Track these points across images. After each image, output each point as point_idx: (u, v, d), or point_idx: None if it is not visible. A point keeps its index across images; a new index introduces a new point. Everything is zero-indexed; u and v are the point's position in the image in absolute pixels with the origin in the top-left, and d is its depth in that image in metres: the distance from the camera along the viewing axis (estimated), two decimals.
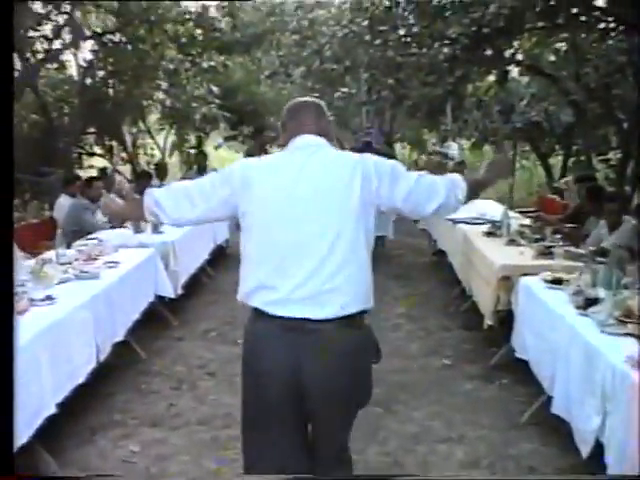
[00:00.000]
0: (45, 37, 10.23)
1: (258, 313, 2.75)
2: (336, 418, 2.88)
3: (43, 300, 4.40)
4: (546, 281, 4.92)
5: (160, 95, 12.46)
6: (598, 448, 3.53)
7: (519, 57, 10.60)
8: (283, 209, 2.70)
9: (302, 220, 2.69)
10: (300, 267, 2.66)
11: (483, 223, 7.56)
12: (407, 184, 2.77)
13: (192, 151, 15.53)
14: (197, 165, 11.73)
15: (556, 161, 15.33)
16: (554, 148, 15.06)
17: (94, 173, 11.41)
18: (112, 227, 7.74)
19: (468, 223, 7.75)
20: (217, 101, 12.75)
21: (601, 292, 4.32)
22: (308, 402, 2.76)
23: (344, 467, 3.03)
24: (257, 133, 9.17)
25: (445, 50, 8.50)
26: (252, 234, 2.77)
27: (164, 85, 11.73)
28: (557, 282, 4.84)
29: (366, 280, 2.76)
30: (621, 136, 9.61)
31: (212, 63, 11.97)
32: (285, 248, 2.69)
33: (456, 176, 2.93)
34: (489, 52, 8.87)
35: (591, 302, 4.14)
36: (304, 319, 2.65)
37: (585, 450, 3.64)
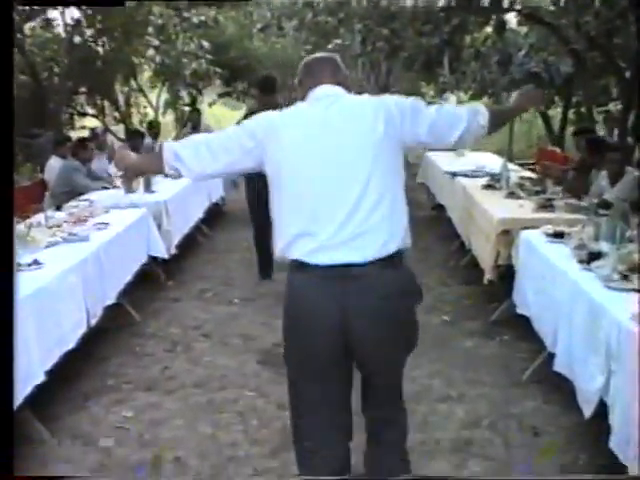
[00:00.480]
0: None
1: (298, 265, 2.74)
2: (387, 363, 2.91)
3: (30, 265, 4.25)
4: (547, 235, 4.79)
5: (150, 52, 12.15)
6: (602, 407, 3.43)
7: (517, 7, 10.34)
8: (312, 157, 2.72)
9: (332, 166, 2.70)
10: (336, 212, 2.67)
11: (482, 176, 7.43)
12: (429, 116, 2.82)
13: (186, 109, 15.31)
14: (191, 123, 11.49)
15: (555, 113, 15.11)
16: (553, 99, 14.81)
17: (86, 134, 11.20)
18: (104, 188, 7.61)
19: (467, 176, 7.63)
20: (208, 56, 12.46)
21: (604, 246, 4.18)
22: (357, 349, 2.78)
23: (399, 424, 3.10)
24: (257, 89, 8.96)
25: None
26: (282, 185, 2.77)
27: (154, 41, 11.43)
28: (559, 236, 4.71)
29: (402, 218, 2.77)
30: (622, 86, 9.37)
31: (202, 18, 11.67)
32: (318, 195, 2.70)
33: (477, 103, 3.01)
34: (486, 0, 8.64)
35: (594, 256, 4.00)
36: (345, 265, 2.65)
37: (588, 410, 3.52)
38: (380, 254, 2.66)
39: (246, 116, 6.05)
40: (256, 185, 6.38)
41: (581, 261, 4.07)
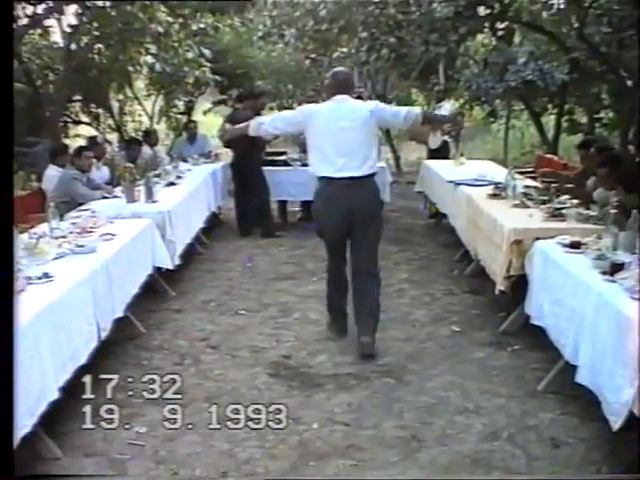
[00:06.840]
0: (28, 1, 9.79)
1: (326, 179, 5.26)
2: (368, 229, 5.31)
3: (40, 278, 4.16)
4: (564, 245, 4.75)
5: (149, 59, 12.00)
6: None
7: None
8: (331, 130, 5.18)
9: (342, 133, 5.16)
10: (345, 155, 5.18)
11: (486, 185, 7.36)
12: (392, 110, 5.56)
13: (179, 117, 15.19)
14: (187, 134, 11.36)
15: (547, 119, 15.10)
16: (546, 107, 14.80)
17: (81, 142, 11.07)
18: (104, 197, 7.51)
19: (470, 185, 7.55)
20: (209, 64, 12.34)
21: (623, 256, 4.14)
22: (357, 221, 5.24)
23: (375, 281, 5.46)
24: (252, 99, 8.97)
25: (445, 9, 8.21)
26: (315, 144, 5.31)
27: (153, 49, 11.28)
28: (575, 246, 4.66)
29: (375, 156, 5.39)
30: (622, 94, 9.29)
31: (202, 25, 11.56)
32: (334, 148, 5.18)
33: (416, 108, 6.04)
34: (493, 8, 8.59)
35: (617, 268, 3.96)
36: (351, 177, 5.17)
37: (616, 422, 3.48)
38: (366, 173, 5.23)
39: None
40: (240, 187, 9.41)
41: (604, 272, 4.02)
